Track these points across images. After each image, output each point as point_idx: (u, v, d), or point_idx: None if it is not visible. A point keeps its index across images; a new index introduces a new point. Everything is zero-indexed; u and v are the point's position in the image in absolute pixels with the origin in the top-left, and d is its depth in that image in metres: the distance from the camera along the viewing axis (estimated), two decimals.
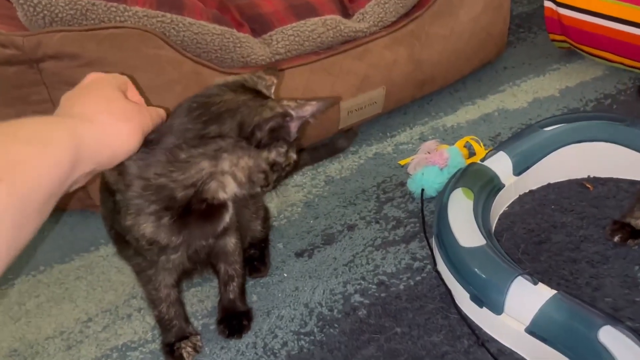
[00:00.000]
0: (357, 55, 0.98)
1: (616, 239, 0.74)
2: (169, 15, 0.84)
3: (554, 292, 0.60)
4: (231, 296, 0.69)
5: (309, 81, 0.94)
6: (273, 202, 0.88)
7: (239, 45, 0.91)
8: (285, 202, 0.90)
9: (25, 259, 0.85)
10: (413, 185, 0.86)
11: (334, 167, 0.97)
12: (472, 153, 0.93)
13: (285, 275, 0.76)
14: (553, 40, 1.24)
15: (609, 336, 0.54)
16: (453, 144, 0.92)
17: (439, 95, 1.14)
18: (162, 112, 0.56)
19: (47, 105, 0.82)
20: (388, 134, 1.05)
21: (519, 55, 1.26)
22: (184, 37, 0.85)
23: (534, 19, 1.38)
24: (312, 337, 0.66)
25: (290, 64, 0.94)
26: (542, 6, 1.19)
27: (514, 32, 1.34)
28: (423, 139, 1.02)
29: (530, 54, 1.27)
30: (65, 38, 0.77)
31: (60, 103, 0.52)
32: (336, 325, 0.68)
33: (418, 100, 1.11)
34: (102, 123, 0.48)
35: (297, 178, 0.96)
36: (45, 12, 0.77)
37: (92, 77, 0.55)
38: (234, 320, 0.69)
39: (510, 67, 1.23)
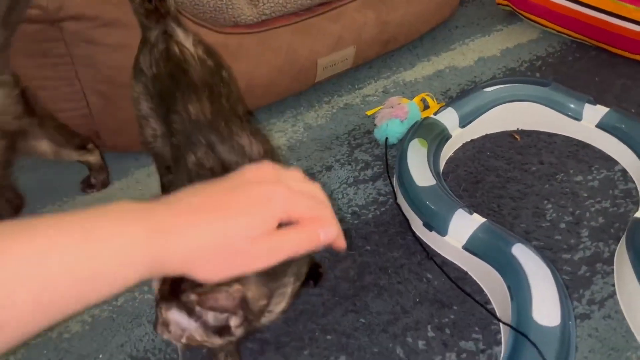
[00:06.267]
0: (332, 17, 1.13)
1: None
2: None
3: (484, 220, 0.81)
4: None
5: (291, 40, 1.09)
6: None
7: (230, 6, 1.03)
8: None
9: (48, 191, 0.98)
10: (379, 134, 1.04)
11: (310, 116, 1.14)
12: (426, 106, 1.12)
13: None
14: (498, 3, 1.41)
15: (519, 251, 0.76)
16: (412, 99, 1.10)
17: (400, 51, 1.31)
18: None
19: (65, 58, 0.93)
20: (356, 86, 1.21)
21: (469, 15, 1.44)
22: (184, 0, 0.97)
23: None
24: None
25: (274, 24, 1.08)
26: None
27: None
28: (386, 91, 1.20)
29: (478, 14, 1.45)
30: (87, 0, 0.88)
31: (196, 193, 0.41)
32: None
33: (382, 55, 1.28)
34: (190, 259, 0.38)
35: (279, 124, 1.12)
36: None
37: (272, 189, 0.41)
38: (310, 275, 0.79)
39: (461, 26, 1.40)
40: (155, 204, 0.38)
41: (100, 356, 0.74)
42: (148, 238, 0.36)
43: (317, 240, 0.42)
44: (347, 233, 0.84)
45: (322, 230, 0.42)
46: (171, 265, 0.37)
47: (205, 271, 0.39)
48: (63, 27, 0.90)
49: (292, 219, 0.41)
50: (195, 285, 0.47)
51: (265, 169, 0.43)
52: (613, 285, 0.80)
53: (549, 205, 0.91)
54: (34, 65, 0.94)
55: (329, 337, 0.74)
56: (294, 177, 0.45)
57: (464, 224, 0.81)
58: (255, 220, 0.39)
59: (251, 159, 0.60)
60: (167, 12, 0.74)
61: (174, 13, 0.75)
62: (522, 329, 0.67)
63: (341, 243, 0.45)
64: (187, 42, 0.72)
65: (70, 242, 0.34)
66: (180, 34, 0.73)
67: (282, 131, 1.10)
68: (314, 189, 0.45)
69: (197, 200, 0.40)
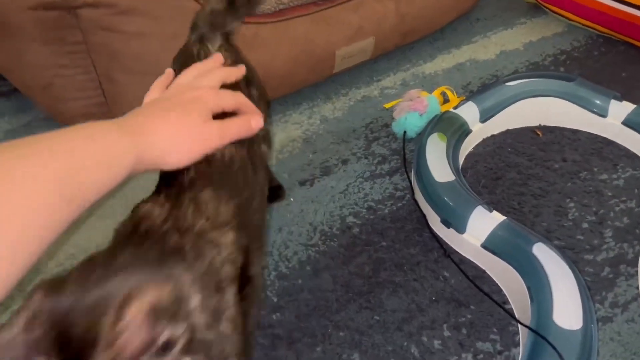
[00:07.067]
0: (352, 7, 1.10)
1: None
2: None
3: (504, 217, 0.79)
4: None
5: (308, 31, 1.07)
6: (277, 137, 1.04)
7: None
8: (287, 137, 1.05)
9: None
10: (397, 128, 1.02)
11: (327, 108, 1.12)
12: (446, 100, 1.09)
13: (292, 200, 0.92)
14: None
15: (540, 250, 0.73)
16: (431, 92, 1.07)
17: (419, 43, 1.28)
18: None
19: (81, 46, 0.92)
20: (374, 78, 1.19)
21: (490, 8, 1.40)
22: None
23: None
24: (317, 248, 0.84)
25: (292, 14, 1.06)
26: None
27: None
28: (405, 84, 1.17)
29: (500, 7, 1.41)
30: None
31: (146, 101, 0.56)
32: (335, 240, 0.86)
33: (401, 47, 1.25)
34: (165, 148, 0.49)
35: (295, 116, 1.10)
36: None
37: (197, 93, 0.54)
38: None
39: (482, 19, 1.37)
40: (121, 118, 0.48)
41: None
42: (128, 134, 0.46)
43: (249, 126, 0.56)
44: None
45: (253, 119, 0.57)
46: (151, 155, 0.47)
47: (177, 155, 0.50)
48: (79, 14, 0.89)
49: (222, 109, 0.55)
50: None
51: (191, 81, 0.58)
52: (637, 287, 0.77)
53: (572, 204, 0.88)
54: (50, 53, 0.94)
55: (342, 333, 0.73)
56: (214, 78, 0.58)
57: (483, 222, 0.79)
58: (198, 111, 0.52)
59: None
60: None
61: (231, 32, 0.71)
62: (542, 331, 0.64)
63: (260, 124, 0.57)
64: (213, 50, 0.67)
65: (79, 136, 0.43)
66: (210, 43, 0.68)
67: (298, 123, 1.08)
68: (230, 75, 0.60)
69: (153, 110, 0.52)
